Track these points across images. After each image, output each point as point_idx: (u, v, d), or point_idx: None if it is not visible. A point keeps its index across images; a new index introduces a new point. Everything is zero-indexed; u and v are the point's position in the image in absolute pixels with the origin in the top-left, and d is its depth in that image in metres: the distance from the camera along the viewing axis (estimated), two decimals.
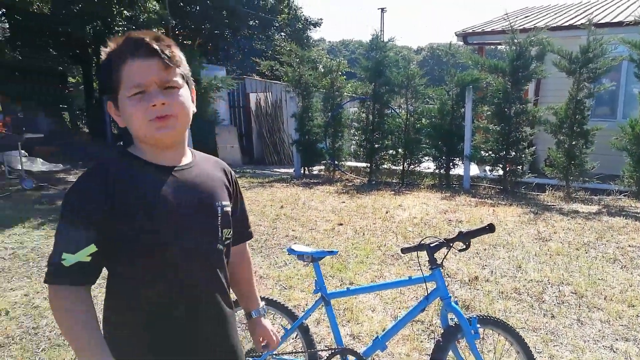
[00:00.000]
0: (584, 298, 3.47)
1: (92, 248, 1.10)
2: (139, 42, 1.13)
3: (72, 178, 9.12)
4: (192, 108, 1.24)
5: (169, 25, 13.58)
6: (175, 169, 1.22)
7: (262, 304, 1.60)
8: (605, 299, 3.45)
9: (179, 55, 1.20)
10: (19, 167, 8.37)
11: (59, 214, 1.13)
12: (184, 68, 1.21)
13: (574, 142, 7.36)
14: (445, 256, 2.21)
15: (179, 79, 1.17)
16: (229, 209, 1.31)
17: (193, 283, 1.21)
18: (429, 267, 2.16)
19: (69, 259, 1.08)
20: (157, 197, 1.15)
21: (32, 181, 8.02)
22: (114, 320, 1.21)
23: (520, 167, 8.10)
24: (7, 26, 14.70)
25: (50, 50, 13.15)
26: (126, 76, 1.13)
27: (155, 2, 12.69)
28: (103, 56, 1.17)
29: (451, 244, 2.13)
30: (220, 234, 1.27)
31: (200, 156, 1.34)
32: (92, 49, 15.26)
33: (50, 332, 3.20)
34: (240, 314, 1.72)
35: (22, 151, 8.49)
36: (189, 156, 1.29)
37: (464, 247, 2.13)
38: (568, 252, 4.45)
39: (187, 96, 1.20)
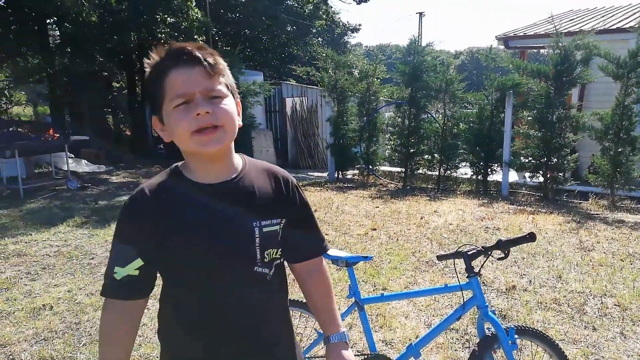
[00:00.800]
0: (628, 311, 3.32)
1: (139, 262, 1.14)
2: (180, 51, 1.10)
3: (115, 179, 9.46)
4: (238, 120, 1.19)
5: (210, 32, 13.89)
6: (218, 185, 1.17)
7: (343, 329, 1.34)
8: None
9: (222, 64, 1.16)
10: (65, 168, 8.74)
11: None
12: (228, 78, 1.18)
13: (620, 149, 7.08)
14: (482, 264, 2.16)
15: (223, 88, 1.13)
16: (274, 227, 1.21)
17: (228, 310, 1.18)
18: (466, 275, 2.12)
19: (120, 272, 1.13)
20: (192, 220, 1.14)
21: (77, 182, 8.36)
22: (161, 326, 1.27)
23: (562, 174, 7.84)
24: (58, 34, 15.41)
25: (97, 56, 13.66)
26: (169, 87, 1.10)
27: (197, 11, 13.01)
28: (147, 69, 1.15)
29: (489, 252, 2.08)
30: (259, 255, 1.18)
31: (250, 166, 1.26)
32: (136, 55, 15.79)
33: (91, 327, 3.31)
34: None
35: (69, 153, 8.86)
36: (238, 166, 1.23)
37: (503, 255, 2.07)
38: (612, 263, 4.27)
39: (232, 106, 1.15)
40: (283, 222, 1.23)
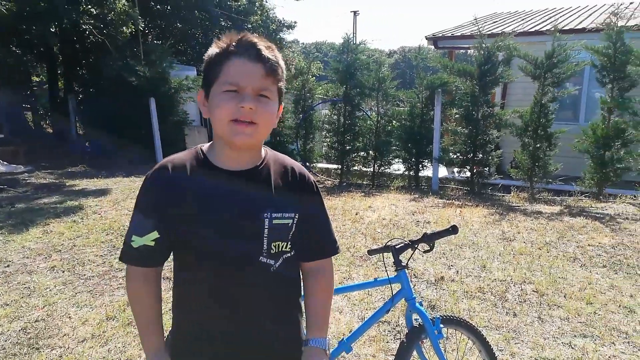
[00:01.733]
0: (545, 296, 3.56)
1: (155, 234, 1.21)
2: (250, 43, 1.16)
3: (34, 180, 8.83)
4: (275, 123, 1.24)
5: (137, 24, 13.31)
6: (237, 173, 1.22)
7: (327, 338, 1.35)
8: (565, 296, 3.55)
9: (282, 68, 1.21)
10: None
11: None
12: (283, 83, 1.23)
13: (538, 145, 7.57)
14: (410, 257, 2.22)
15: (273, 91, 1.19)
16: (285, 220, 1.24)
17: (230, 296, 1.22)
18: (395, 268, 2.17)
19: (137, 241, 1.21)
20: (206, 203, 1.19)
21: None
22: (175, 301, 1.31)
23: (487, 169, 8.27)
24: None
25: (13, 48, 12.69)
26: (227, 71, 1.15)
27: (124, 2, 12.42)
28: (212, 48, 1.19)
29: (416, 246, 2.14)
30: (265, 246, 1.22)
31: (273, 160, 1.30)
32: (58, 48, 14.83)
33: (5, 341, 3.07)
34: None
35: None
36: (261, 158, 1.27)
37: (429, 248, 2.15)
38: (531, 252, 4.56)
39: (274, 109, 1.21)
40: (297, 217, 1.26)
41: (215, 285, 1.21)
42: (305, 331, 1.38)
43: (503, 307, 3.42)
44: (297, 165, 1.34)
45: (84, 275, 4.15)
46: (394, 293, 2.16)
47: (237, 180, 1.21)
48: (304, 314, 1.38)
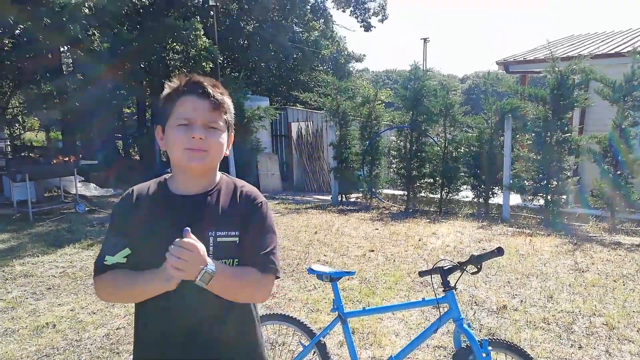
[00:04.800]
0: (616, 330, 3.36)
1: (127, 251, 1.33)
2: (197, 83, 1.33)
3: None
4: (225, 151, 1.38)
5: (217, 59, 14.28)
6: (188, 197, 1.36)
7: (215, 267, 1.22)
8: (638, 331, 3.33)
9: (229, 103, 1.39)
10: (74, 191, 8.95)
11: None
12: (230, 116, 1.39)
13: (619, 172, 7.14)
14: (458, 279, 2.26)
15: (221, 123, 1.35)
16: (231, 239, 1.33)
17: (179, 312, 1.32)
18: (443, 289, 2.22)
19: (110, 260, 1.33)
20: (156, 224, 1.33)
21: (85, 205, 8.56)
22: (135, 317, 1.43)
23: (563, 197, 7.88)
24: (71, 61, 15.93)
25: (107, 83, 14.09)
26: (179, 108, 1.32)
27: (205, 39, 13.43)
28: (166, 89, 1.37)
29: (464, 267, 2.18)
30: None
31: (225, 183, 1.42)
32: (146, 82, 16.24)
33: (91, 344, 3.42)
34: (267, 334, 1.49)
35: (78, 177, 9.09)
36: (214, 184, 1.40)
37: (476, 270, 2.17)
38: (605, 284, 4.31)
39: (223, 139, 1.36)
40: (238, 235, 1.35)
41: (165, 302, 1.29)
42: (261, 341, 1.48)
43: (568, 339, 3.28)
44: (247, 186, 1.43)
45: None
46: (441, 313, 2.20)
47: (187, 203, 1.35)
48: (260, 333, 1.48)
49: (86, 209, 8.48)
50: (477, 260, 2.13)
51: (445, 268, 2.20)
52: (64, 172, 8.92)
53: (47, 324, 3.77)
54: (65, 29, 9.39)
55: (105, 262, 1.33)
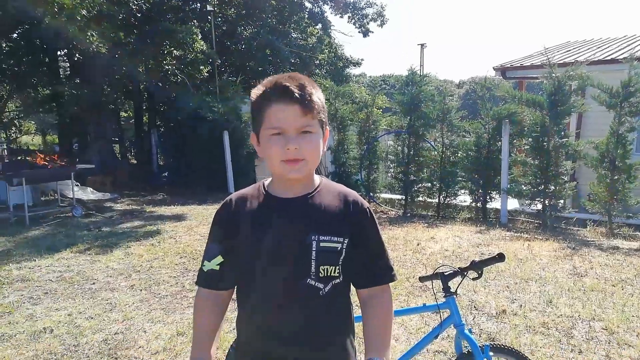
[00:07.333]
0: (615, 335, 3.37)
1: (219, 259, 1.37)
2: (284, 88, 1.24)
3: (119, 207, 9.62)
4: (322, 150, 1.32)
5: (215, 63, 14.28)
6: (291, 200, 1.32)
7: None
8: (638, 336, 3.34)
9: (320, 100, 1.30)
10: (71, 195, 8.92)
11: None
12: (323, 114, 1.32)
13: (615, 177, 7.17)
14: (459, 285, 2.26)
15: (315, 124, 1.28)
16: (333, 244, 1.28)
17: (279, 318, 1.29)
18: (444, 295, 2.22)
19: (206, 265, 1.38)
20: (259, 229, 1.31)
21: (82, 209, 8.53)
22: (237, 320, 1.44)
23: (561, 202, 7.90)
24: (68, 65, 15.91)
25: (105, 87, 14.06)
26: (268, 117, 1.26)
27: (202, 43, 13.43)
28: (253, 96, 1.31)
29: (465, 273, 2.19)
30: (314, 269, 1.27)
31: (326, 187, 1.37)
32: (144, 86, 16.22)
33: (89, 350, 3.40)
34: None
35: (74, 181, 9.06)
36: (315, 187, 1.36)
37: (477, 275, 2.18)
38: (604, 289, 4.32)
39: (319, 141, 1.29)
40: (346, 242, 1.30)
41: (266, 306, 1.29)
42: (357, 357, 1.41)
43: (568, 343, 3.28)
44: (351, 192, 1.38)
45: (159, 294, 4.49)
46: (442, 319, 2.20)
47: (290, 206, 1.31)
48: (356, 342, 1.42)
49: (83, 213, 8.44)
50: (477, 266, 2.13)
51: (445, 274, 2.19)
52: (61, 176, 8.89)
53: (44, 328, 3.74)
54: (63, 31, 9.37)
55: (203, 267, 1.38)
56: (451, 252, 5.66)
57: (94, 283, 4.84)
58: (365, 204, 1.37)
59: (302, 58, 19.07)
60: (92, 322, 3.86)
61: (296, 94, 1.24)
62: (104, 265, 5.41)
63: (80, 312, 4.07)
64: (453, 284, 2.20)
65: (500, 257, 2.04)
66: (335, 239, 1.28)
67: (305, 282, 1.27)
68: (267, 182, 1.41)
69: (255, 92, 1.31)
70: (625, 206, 7.14)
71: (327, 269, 1.28)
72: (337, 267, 1.29)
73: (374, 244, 1.36)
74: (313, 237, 1.27)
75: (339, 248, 1.29)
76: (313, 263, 1.26)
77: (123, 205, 9.79)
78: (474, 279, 2.17)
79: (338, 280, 1.31)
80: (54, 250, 6.04)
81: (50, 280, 4.97)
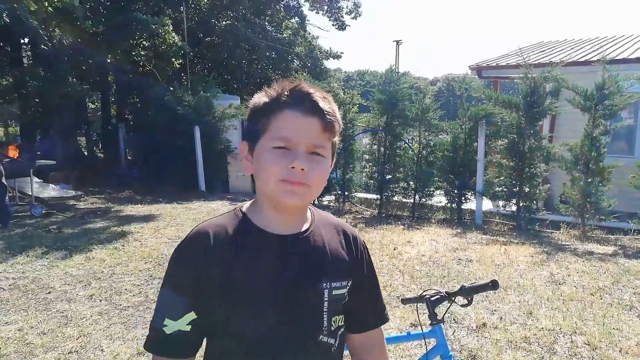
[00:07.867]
0: (598, 350, 3.27)
1: (192, 315, 1.02)
2: (306, 95, 1.02)
3: (82, 205, 9.16)
4: (326, 180, 1.09)
5: (187, 56, 13.85)
6: (288, 237, 1.07)
7: None
8: (620, 351, 3.25)
9: (339, 122, 1.07)
10: (30, 192, 8.43)
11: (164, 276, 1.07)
12: (338, 138, 1.10)
13: (589, 180, 7.18)
14: (446, 311, 2.07)
15: (328, 148, 1.05)
16: (342, 290, 1.10)
17: None
18: (429, 322, 2.03)
19: (171, 326, 1.02)
20: (254, 273, 1.02)
21: (41, 208, 8.06)
22: None
23: (534, 204, 7.90)
24: (30, 54, 15.16)
25: (70, 77, 13.43)
26: (275, 125, 1.01)
27: (174, 35, 12.98)
28: (260, 96, 1.07)
29: (453, 299, 2.00)
30: (326, 322, 1.07)
31: (319, 218, 1.15)
32: (112, 77, 15.62)
33: None
34: None
35: (35, 177, 8.57)
36: (309, 219, 1.13)
37: (467, 302, 2.00)
38: (582, 298, 4.24)
39: (328, 168, 1.06)
40: (349, 285, 1.12)
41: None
42: None
43: None
44: (345, 225, 1.21)
45: (120, 305, 4.19)
46: (428, 349, 2.02)
47: (289, 245, 1.05)
48: None
49: (43, 212, 7.98)
50: (467, 292, 1.96)
51: (432, 298, 2.00)
52: (19, 172, 8.38)
53: None
54: (23, 23, 8.85)
55: (164, 329, 1.01)
56: (428, 258, 5.53)
57: (49, 292, 4.49)
58: (361, 238, 1.21)
59: (278, 51, 18.75)
60: (45, 338, 3.55)
61: (320, 105, 1.01)
62: (62, 271, 5.05)
63: (32, 327, 3.74)
64: (439, 310, 2.02)
65: (493, 285, 1.87)
66: (344, 283, 1.11)
67: (317, 340, 1.06)
68: (245, 209, 1.11)
69: (263, 95, 1.07)
70: (598, 209, 7.16)
71: (337, 319, 1.10)
72: (342, 315, 1.13)
73: (373, 286, 1.22)
74: (324, 283, 1.06)
75: (344, 293, 1.11)
76: (325, 315, 1.07)
77: (87, 204, 9.33)
78: (462, 305, 1.99)
79: (343, 330, 1.14)
80: (8, 254, 5.62)
81: (2, 288, 4.59)
